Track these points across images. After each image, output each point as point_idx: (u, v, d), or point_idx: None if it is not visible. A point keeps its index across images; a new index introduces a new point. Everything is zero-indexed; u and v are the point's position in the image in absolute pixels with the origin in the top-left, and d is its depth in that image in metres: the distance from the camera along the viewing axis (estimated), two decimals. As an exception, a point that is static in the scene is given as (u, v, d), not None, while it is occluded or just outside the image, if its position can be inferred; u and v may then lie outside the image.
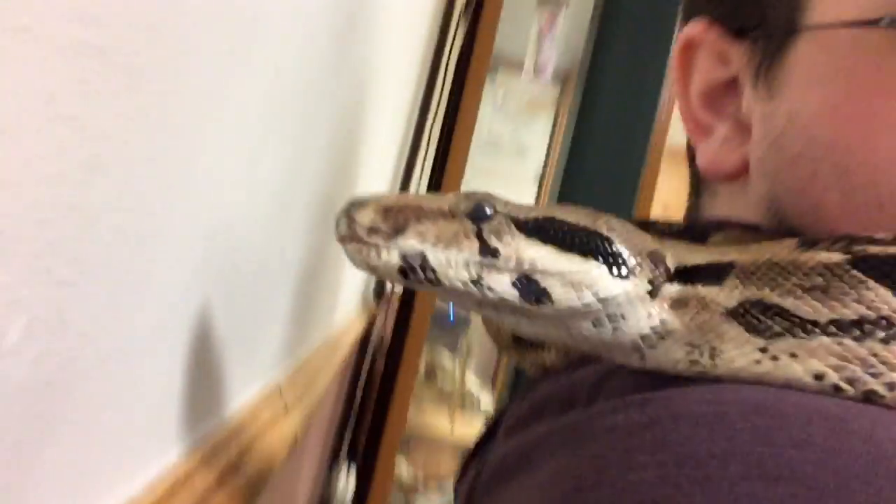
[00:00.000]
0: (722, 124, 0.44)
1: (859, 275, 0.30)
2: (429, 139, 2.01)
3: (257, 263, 0.55)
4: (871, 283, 0.30)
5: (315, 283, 0.84)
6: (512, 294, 0.34)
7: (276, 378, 0.68)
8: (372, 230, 0.34)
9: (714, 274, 0.34)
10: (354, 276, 1.27)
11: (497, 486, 0.38)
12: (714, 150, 0.44)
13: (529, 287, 0.33)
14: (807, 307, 0.31)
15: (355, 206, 0.35)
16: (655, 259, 0.34)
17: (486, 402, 2.85)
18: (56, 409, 0.28)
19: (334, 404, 1.37)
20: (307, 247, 0.74)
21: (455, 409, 2.62)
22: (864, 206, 0.36)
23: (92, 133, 0.25)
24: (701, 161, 0.44)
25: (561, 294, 0.33)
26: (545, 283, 0.33)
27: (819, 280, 0.31)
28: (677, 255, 0.35)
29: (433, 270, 0.34)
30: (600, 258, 0.33)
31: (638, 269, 0.34)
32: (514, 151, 3.56)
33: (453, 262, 0.34)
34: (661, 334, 0.34)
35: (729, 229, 0.41)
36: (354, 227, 0.34)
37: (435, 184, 1.90)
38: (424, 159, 2.04)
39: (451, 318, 2.88)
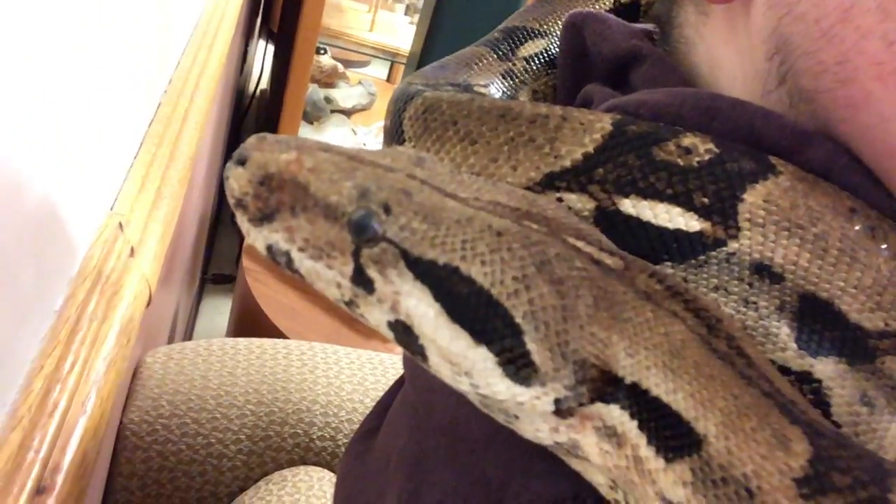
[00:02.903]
0: None
1: None
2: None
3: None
4: None
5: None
6: (387, 332, 0.27)
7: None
8: (239, 204, 0.28)
9: (672, 439, 0.24)
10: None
11: None
12: None
13: (406, 336, 0.27)
14: None
15: (239, 158, 0.28)
16: (586, 369, 0.25)
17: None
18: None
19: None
20: None
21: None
22: None
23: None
24: None
25: (437, 364, 0.26)
26: (423, 342, 0.26)
27: None
28: (644, 363, 0.25)
29: (300, 274, 0.28)
30: (496, 349, 0.25)
31: (547, 378, 0.25)
32: None
33: (322, 276, 0.27)
34: (572, 453, 0.27)
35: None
36: (227, 188, 0.28)
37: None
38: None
39: None
